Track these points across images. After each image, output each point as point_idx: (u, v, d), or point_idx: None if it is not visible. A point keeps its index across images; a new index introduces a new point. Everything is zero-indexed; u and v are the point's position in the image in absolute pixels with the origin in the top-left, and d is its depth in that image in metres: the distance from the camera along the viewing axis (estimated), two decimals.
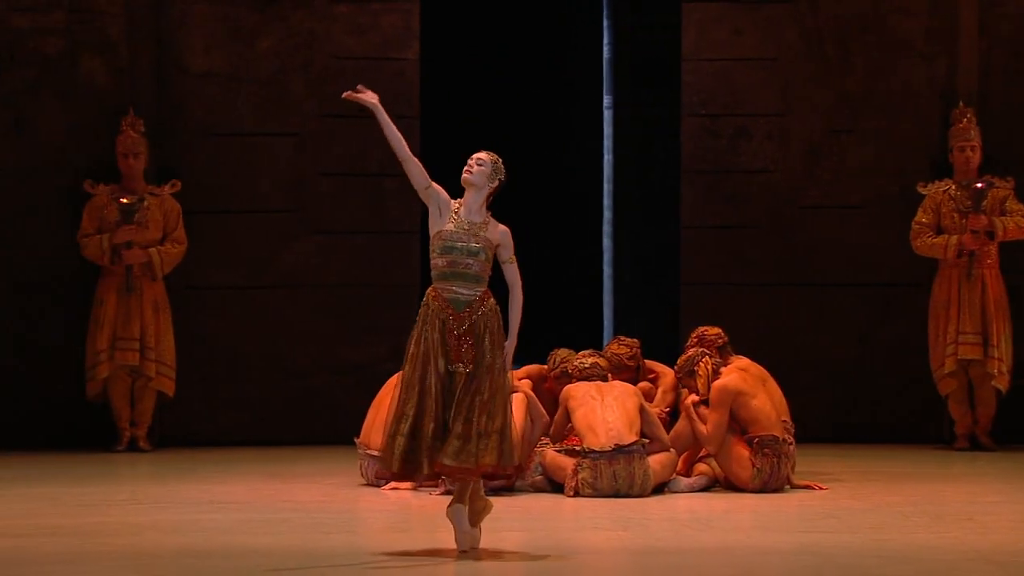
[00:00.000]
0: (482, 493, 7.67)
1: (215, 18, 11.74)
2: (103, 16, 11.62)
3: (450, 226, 7.58)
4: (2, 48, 11.51)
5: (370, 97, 7.63)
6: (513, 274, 7.66)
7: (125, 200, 11.41)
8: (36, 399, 11.47)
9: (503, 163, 7.75)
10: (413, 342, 7.55)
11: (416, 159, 7.60)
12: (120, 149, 11.42)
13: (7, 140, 11.54)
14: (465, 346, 7.51)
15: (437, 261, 7.58)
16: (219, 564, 7.42)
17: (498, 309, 7.65)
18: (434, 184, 7.64)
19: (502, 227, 7.66)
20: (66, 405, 11.49)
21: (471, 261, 7.56)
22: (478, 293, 7.56)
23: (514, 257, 7.68)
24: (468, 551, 7.55)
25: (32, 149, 11.55)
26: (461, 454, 7.44)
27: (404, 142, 7.60)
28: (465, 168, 7.66)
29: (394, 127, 7.60)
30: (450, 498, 7.70)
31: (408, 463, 7.49)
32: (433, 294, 7.58)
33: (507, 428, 7.55)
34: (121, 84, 11.59)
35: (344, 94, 7.69)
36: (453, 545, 7.64)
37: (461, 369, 7.49)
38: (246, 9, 11.79)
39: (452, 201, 7.65)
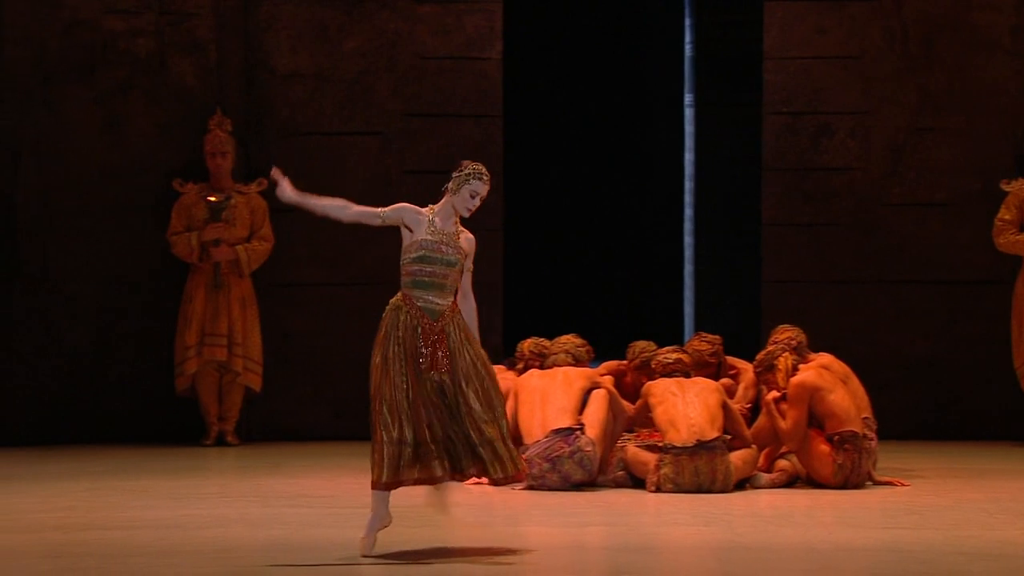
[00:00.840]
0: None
1: (302, 19, 11.86)
2: (192, 18, 11.77)
3: (428, 235, 7.55)
4: (95, 49, 11.70)
5: (287, 188, 7.54)
6: (468, 283, 7.64)
7: (213, 198, 11.55)
8: (127, 394, 11.61)
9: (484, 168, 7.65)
10: (385, 348, 7.48)
11: (354, 206, 7.54)
12: (208, 148, 11.55)
13: (99, 140, 11.70)
14: (440, 354, 7.48)
15: (412, 268, 7.52)
16: (304, 556, 7.51)
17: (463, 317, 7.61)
18: (385, 209, 7.57)
19: (469, 235, 7.65)
20: (156, 400, 11.65)
21: (448, 272, 7.54)
22: (450, 302, 7.56)
23: (472, 266, 7.66)
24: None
25: (123, 148, 11.70)
26: (493, 462, 7.47)
27: (337, 203, 7.54)
28: (469, 209, 7.58)
29: (319, 201, 7.55)
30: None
31: (423, 469, 7.46)
32: (406, 302, 7.53)
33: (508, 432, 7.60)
34: (209, 84, 11.72)
35: (273, 176, 7.62)
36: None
37: (435, 377, 7.46)
38: (332, 10, 11.90)
39: (421, 210, 7.59)
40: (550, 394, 9.57)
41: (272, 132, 11.89)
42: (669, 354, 9.88)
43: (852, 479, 9.55)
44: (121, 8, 11.71)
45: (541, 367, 9.89)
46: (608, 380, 9.95)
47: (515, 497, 9.26)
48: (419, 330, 7.48)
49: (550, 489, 9.36)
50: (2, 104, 11.55)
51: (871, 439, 9.67)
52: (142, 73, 11.72)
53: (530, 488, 9.41)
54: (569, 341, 9.97)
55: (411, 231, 7.56)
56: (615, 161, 15.82)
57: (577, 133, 15.74)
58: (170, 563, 7.37)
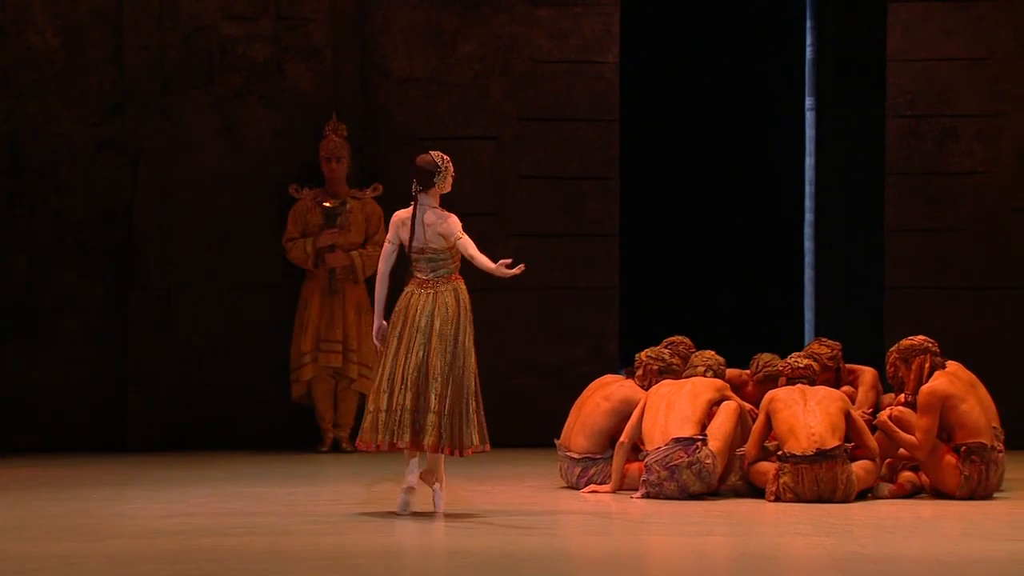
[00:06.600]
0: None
1: (417, 24, 11.90)
2: (308, 23, 11.84)
3: None
4: (213, 55, 11.81)
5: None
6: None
7: (328, 204, 11.59)
8: (244, 401, 11.67)
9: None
10: None
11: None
12: (323, 153, 11.59)
13: (217, 145, 11.80)
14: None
15: None
16: (419, 564, 7.55)
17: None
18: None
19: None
20: (272, 406, 11.70)
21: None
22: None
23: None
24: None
25: (239, 154, 11.79)
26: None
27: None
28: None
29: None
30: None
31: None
32: None
33: None
34: (325, 89, 11.79)
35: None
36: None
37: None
38: (447, 14, 11.93)
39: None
40: (675, 402, 9.50)
41: (387, 137, 11.93)
42: (800, 359, 9.75)
43: (979, 491, 9.39)
44: (239, 14, 11.81)
45: (665, 375, 9.79)
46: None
47: (632, 505, 9.24)
48: None
49: (667, 497, 9.31)
50: (122, 113, 11.68)
51: (999, 450, 9.50)
52: (259, 79, 11.80)
53: (646, 496, 9.37)
54: (712, 357, 9.85)
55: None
56: (734, 165, 15.73)
57: (695, 137, 15.67)
58: (287, 569, 7.40)
